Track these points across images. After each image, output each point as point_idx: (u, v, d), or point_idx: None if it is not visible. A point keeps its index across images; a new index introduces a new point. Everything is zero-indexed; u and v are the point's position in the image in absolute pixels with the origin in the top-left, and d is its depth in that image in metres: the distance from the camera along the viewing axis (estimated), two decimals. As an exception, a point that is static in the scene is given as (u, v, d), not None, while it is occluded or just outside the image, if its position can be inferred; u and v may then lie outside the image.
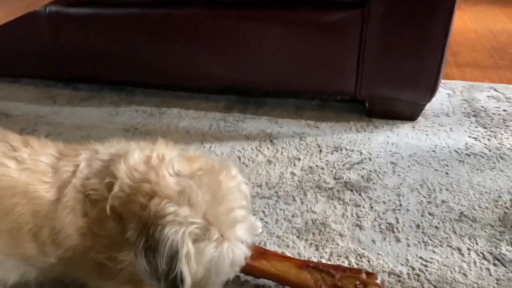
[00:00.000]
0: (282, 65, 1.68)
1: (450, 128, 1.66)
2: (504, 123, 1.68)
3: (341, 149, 1.57)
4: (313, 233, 1.22)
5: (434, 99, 1.76)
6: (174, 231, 0.71)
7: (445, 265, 1.11)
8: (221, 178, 0.82)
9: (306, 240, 1.20)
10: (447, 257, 1.13)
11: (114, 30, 1.80)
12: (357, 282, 0.99)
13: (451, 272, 1.09)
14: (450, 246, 1.16)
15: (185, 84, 1.90)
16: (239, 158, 1.54)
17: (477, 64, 2.22)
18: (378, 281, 1.00)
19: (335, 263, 1.11)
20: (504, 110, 1.77)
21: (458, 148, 1.55)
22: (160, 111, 1.83)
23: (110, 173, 0.82)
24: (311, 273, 1.02)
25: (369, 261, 1.13)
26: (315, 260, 1.12)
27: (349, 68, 1.61)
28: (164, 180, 0.79)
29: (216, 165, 0.86)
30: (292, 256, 1.13)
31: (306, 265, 1.05)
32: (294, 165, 1.50)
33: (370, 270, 1.09)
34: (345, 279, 1.00)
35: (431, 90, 1.59)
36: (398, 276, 1.09)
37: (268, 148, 1.59)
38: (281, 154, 1.56)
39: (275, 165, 1.50)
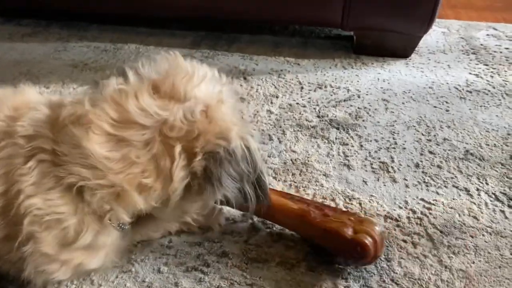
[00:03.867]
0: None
1: (448, 65, 1.46)
2: (507, 60, 1.49)
3: (326, 86, 1.35)
4: (293, 174, 1.01)
5: (428, 37, 1.57)
6: (240, 135, 0.66)
7: (451, 208, 0.92)
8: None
9: (285, 181, 0.99)
10: (454, 199, 0.94)
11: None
12: (351, 218, 0.79)
13: (459, 215, 0.90)
14: (456, 187, 0.97)
15: (146, 14, 1.63)
16: (207, 95, 1.31)
17: (472, 5, 2.02)
18: (376, 222, 0.79)
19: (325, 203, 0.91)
20: (506, 48, 1.57)
21: (458, 85, 1.35)
22: (115, 47, 1.58)
23: None
24: (294, 202, 0.83)
25: (360, 204, 0.93)
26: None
27: (335, -7, 1.39)
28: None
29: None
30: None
31: (290, 197, 0.85)
32: (271, 102, 1.28)
33: (363, 215, 0.89)
34: (337, 214, 0.80)
35: (428, 19, 1.38)
36: (397, 220, 0.89)
37: (241, 85, 1.36)
38: (256, 91, 1.33)
39: (249, 102, 1.28)
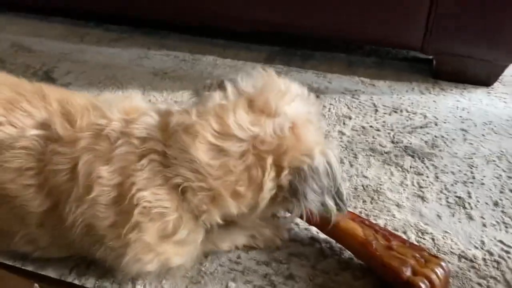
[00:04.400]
0: (337, 8, 1.43)
1: (535, 97, 1.39)
2: None
3: (401, 111, 1.32)
4: (364, 201, 1.00)
5: (513, 65, 1.48)
6: (322, 152, 0.71)
7: (533, 254, 0.87)
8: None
9: (355, 207, 0.98)
10: (536, 245, 0.89)
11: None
12: (417, 255, 0.77)
13: (542, 263, 0.85)
14: (539, 232, 0.92)
15: (224, 26, 1.67)
16: (279, 111, 1.32)
17: None
18: (444, 264, 0.77)
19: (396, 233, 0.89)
20: None
21: (545, 120, 1.28)
22: (193, 58, 1.63)
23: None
24: (363, 228, 0.82)
25: (433, 239, 0.90)
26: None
27: (417, 16, 1.35)
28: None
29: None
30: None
31: (360, 220, 0.85)
32: (344, 123, 1.27)
33: (434, 252, 0.86)
34: (403, 248, 0.79)
35: (517, 49, 1.31)
36: (472, 261, 0.86)
37: (313, 104, 1.36)
38: (329, 110, 1.33)
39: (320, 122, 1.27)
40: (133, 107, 0.77)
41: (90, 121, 0.74)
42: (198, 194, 0.69)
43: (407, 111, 1.32)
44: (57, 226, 0.75)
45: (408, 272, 0.75)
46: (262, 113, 0.70)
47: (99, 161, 0.70)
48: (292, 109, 0.71)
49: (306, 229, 0.92)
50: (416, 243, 0.88)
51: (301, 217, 0.78)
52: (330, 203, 0.73)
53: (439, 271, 0.75)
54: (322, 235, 0.89)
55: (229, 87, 0.73)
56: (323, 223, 0.80)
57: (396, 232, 0.90)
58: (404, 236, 0.90)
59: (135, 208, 0.68)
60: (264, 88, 0.72)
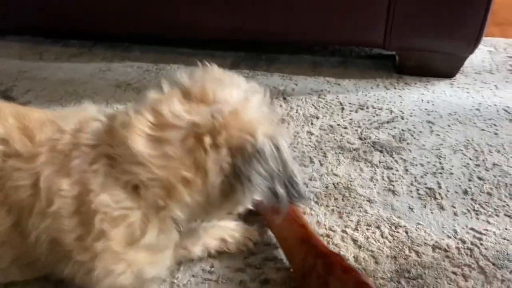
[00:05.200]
0: (299, 12, 1.43)
1: (495, 86, 1.41)
2: (560, 80, 1.43)
3: (367, 107, 1.33)
4: (335, 199, 0.99)
5: (473, 56, 1.51)
6: (268, 134, 0.68)
7: (504, 239, 0.88)
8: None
9: (327, 206, 0.97)
10: (506, 229, 0.90)
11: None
12: None
13: (513, 247, 0.86)
14: (509, 216, 0.93)
15: (187, 36, 1.65)
16: (247, 116, 1.31)
17: (519, 22, 1.95)
18: None
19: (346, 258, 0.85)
20: (558, 68, 1.51)
21: (507, 107, 1.30)
22: (157, 67, 1.61)
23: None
24: (306, 253, 0.78)
25: (406, 232, 0.90)
26: (339, 231, 0.90)
27: (377, 14, 1.36)
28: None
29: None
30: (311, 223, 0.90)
31: (308, 238, 0.81)
32: (312, 123, 1.26)
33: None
34: (340, 283, 0.72)
35: (475, 40, 1.34)
36: (446, 250, 0.86)
37: (281, 106, 1.35)
38: (296, 112, 1.32)
39: (288, 123, 1.27)
40: (86, 118, 0.75)
41: (48, 136, 0.72)
42: (150, 188, 0.67)
43: (373, 107, 1.32)
44: (19, 244, 0.72)
45: None
46: (199, 102, 0.69)
47: (59, 174, 0.68)
48: (231, 95, 0.69)
49: (279, 231, 0.90)
50: (389, 236, 0.88)
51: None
52: (281, 190, 0.69)
53: None
54: (296, 237, 0.88)
55: (164, 84, 0.73)
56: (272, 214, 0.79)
57: (369, 228, 0.90)
58: (377, 232, 0.90)
59: (95, 215, 0.66)
60: (201, 79, 0.72)
